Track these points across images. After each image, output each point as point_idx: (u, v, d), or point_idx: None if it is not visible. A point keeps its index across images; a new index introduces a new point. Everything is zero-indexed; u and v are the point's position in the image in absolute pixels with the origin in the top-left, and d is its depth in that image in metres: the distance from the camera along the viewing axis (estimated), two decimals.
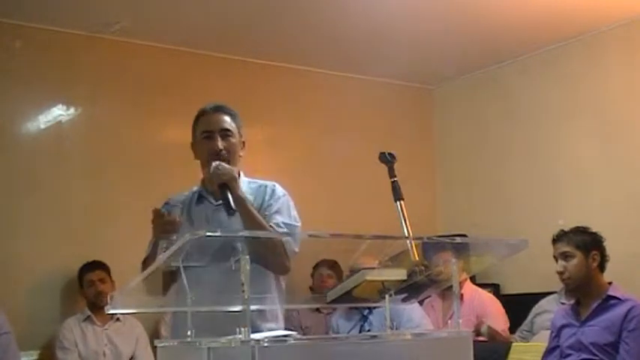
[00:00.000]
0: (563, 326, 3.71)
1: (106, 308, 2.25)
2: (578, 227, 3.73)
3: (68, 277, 4.83)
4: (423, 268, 2.46)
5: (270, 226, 2.74)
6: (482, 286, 5.19)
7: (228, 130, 2.86)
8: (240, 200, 2.71)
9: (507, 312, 4.89)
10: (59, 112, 5.05)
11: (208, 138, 2.84)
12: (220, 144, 2.82)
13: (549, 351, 3.79)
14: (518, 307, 4.94)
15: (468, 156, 6.30)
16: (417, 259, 2.43)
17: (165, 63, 5.36)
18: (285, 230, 2.77)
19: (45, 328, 4.70)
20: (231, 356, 1.95)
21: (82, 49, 5.07)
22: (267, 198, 2.86)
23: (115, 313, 4.60)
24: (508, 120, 6.02)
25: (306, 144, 5.85)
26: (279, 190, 2.92)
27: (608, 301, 3.58)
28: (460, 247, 2.44)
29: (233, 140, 2.87)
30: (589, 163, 5.42)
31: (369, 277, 2.36)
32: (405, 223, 2.54)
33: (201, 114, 2.93)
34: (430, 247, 2.62)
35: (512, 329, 4.84)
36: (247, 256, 1.96)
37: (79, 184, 4.95)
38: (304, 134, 5.88)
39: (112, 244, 4.84)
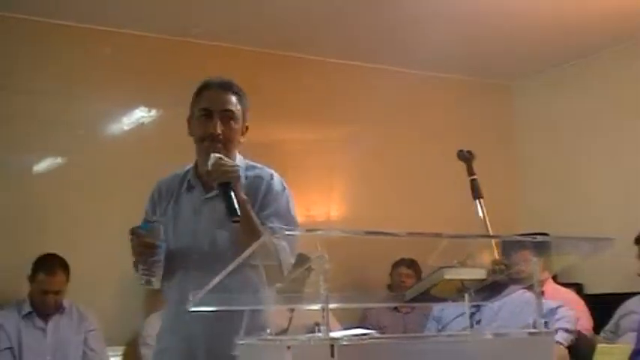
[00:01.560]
0: None
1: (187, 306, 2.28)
2: None
3: None
4: (503, 266, 2.43)
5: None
6: (565, 285, 5.08)
7: (231, 111, 2.55)
8: (242, 204, 2.38)
9: (591, 312, 4.78)
10: (141, 114, 5.20)
11: (207, 117, 2.54)
12: (219, 127, 2.52)
13: (636, 352, 3.68)
14: (603, 307, 4.82)
15: (549, 153, 6.18)
16: (497, 257, 2.39)
17: (241, 64, 5.42)
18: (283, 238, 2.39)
19: (130, 325, 4.83)
20: (310, 354, 1.96)
21: (164, 52, 5.19)
22: (261, 194, 2.55)
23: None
24: (590, 116, 5.88)
25: (383, 142, 5.84)
26: (277, 183, 2.60)
27: None
28: (541, 246, 2.39)
29: (234, 125, 2.56)
30: None
31: (447, 276, 2.34)
32: (485, 222, 2.51)
33: (204, 87, 2.62)
34: (510, 245, 2.58)
35: (597, 330, 4.73)
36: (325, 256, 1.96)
37: None
38: (381, 132, 5.86)
39: None
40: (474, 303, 3.56)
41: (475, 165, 2.77)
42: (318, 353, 1.89)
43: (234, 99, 2.58)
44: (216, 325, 2.48)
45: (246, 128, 2.65)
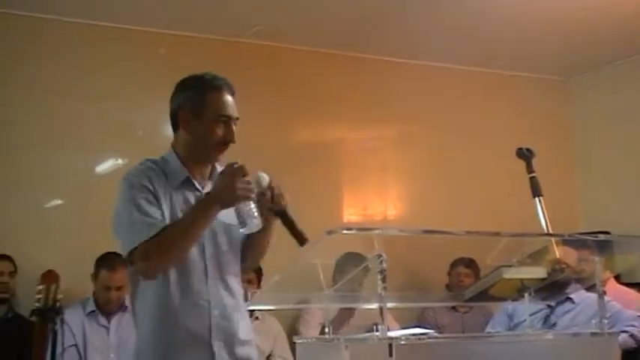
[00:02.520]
0: None
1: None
2: None
3: None
4: (563, 266, 2.40)
5: None
6: (629, 285, 4.97)
7: (238, 120, 2.65)
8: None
9: None
10: None
11: (224, 123, 2.59)
12: (234, 134, 2.59)
13: None
14: None
15: (610, 150, 6.04)
16: (558, 256, 2.36)
17: (300, 64, 5.45)
18: None
19: None
20: (368, 353, 1.97)
21: (221, 53, 5.23)
22: None
23: (254, 310, 4.69)
24: None
25: (439, 140, 5.80)
26: None
27: None
28: (603, 245, 2.35)
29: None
30: None
31: (506, 276, 2.32)
32: (545, 220, 2.48)
33: (216, 88, 2.64)
34: (571, 244, 2.54)
35: None
36: None
37: None
38: (437, 131, 5.82)
39: None
40: (548, 303, 3.49)
41: (534, 163, 2.73)
42: (377, 352, 1.90)
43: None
44: (222, 321, 2.43)
45: None
